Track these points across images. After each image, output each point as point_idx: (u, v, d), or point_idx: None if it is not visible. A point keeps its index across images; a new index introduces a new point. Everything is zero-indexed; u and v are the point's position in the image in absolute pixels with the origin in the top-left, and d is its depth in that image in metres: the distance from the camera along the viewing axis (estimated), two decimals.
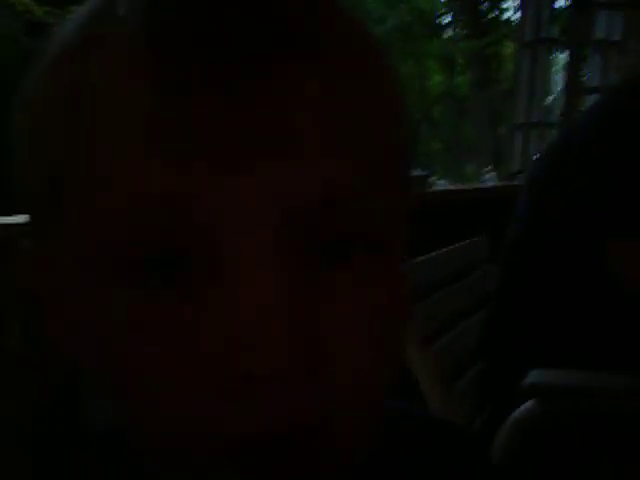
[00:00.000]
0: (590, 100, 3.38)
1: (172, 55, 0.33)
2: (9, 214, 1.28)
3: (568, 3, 3.70)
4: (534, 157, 3.14)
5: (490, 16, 21.30)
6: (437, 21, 24.05)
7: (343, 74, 0.36)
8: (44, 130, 0.37)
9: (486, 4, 21.27)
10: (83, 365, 0.40)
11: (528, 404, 1.34)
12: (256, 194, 0.33)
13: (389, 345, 0.39)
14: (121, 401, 0.37)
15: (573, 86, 3.53)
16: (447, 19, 24.29)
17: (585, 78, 3.85)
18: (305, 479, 0.37)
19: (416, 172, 2.99)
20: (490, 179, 4.21)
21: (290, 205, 0.34)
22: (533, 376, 1.34)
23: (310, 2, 0.37)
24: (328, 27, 0.37)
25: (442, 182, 4.14)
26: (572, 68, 3.56)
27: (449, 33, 22.37)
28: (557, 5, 3.74)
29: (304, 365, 0.34)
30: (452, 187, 3.57)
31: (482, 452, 0.61)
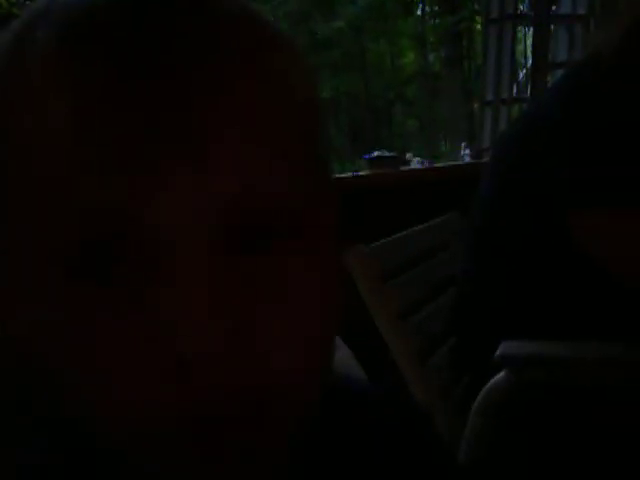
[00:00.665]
0: (557, 75, 3.40)
1: (88, 70, 0.36)
2: None
3: None
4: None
5: None
6: None
7: (252, 75, 0.39)
8: None
9: None
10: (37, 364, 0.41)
11: (500, 375, 1.37)
12: (179, 193, 0.36)
13: (322, 326, 0.42)
14: (71, 396, 0.39)
15: (540, 62, 3.55)
16: None
17: (552, 53, 3.87)
18: (247, 456, 0.39)
19: (388, 153, 3.02)
20: (467, 156, 4.23)
21: (213, 200, 0.37)
22: (504, 347, 1.36)
23: (216, 12, 0.40)
24: (239, 35, 0.40)
25: (417, 159, 4.15)
26: (538, 44, 3.57)
27: (419, 11, 22.17)
28: None
29: (235, 347, 0.37)
30: (423, 166, 3.59)
31: (426, 425, 0.63)
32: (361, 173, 3.01)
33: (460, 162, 3.92)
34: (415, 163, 3.91)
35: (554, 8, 3.82)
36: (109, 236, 0.36)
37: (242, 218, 0.38)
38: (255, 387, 0.38)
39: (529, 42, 3.95)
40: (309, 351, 0.40)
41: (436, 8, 22.19)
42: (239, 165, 0.37)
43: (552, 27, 3.86)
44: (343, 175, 2.88)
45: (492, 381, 1.39)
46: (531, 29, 3.55)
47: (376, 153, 2.94)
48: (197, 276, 0.36)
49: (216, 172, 0.37)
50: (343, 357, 1.58)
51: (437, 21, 22.01)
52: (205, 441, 0.38)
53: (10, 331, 0.41)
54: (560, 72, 3.39)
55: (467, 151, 4.25)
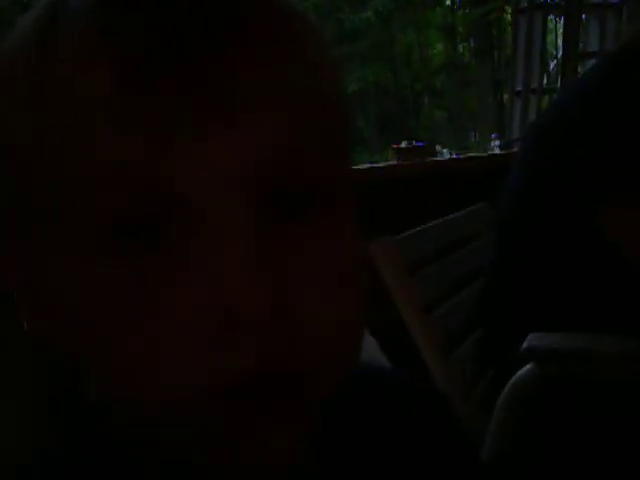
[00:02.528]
0: (588, 65, 3.37)
1: (127, 36, 0.37)
2: None
3: None
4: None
5: None
6: None
7: (286, 50, 0.40)
8: (6, 118, 0.40)
9: None
10: (64, 349, 0.42)
11: (526, 368, 1.36)
12: (215, 153, 0.37)
13: (352, 304, 0.43)
14: (109, 373, 0.40)
15: (570, 52, 3.51)
16: None
17: (583, 43, 3.83)
18: (278, 422, 0.40)
19: (417, 143, 3.00)
20: (497, 147, 4.21)
21: (250, 160, 0.38)
22: (530, 340, 1.35)
23: None
24: (267, 11, 0.41)
25: (446, 151, 4.14)
26: (569, 33, 3.54)
27: (448, 1, 22.09)
28: None
29: (279, 307, 0.38)
30: (454, 156, 3.57)
31: (444, 408, 0.62)
32: (389, 163, 3.00)
33: (489, 152, 3.89)
34: (445, 155, 3.90)
35: None
36: (153, 199, 0.37)
37: (274, 183, 0.39)
38: (296, 354, 0.39)
39: (560, 32, 3.91)
40: (341, 326, 0.41)
41: None
42: (270, 127, 0.38)
43: (583, 17, 3.82)
44: (371, 165, 2.87)
45: (518, 374, 1.38)
46: (562, 19, 3.51)
47: (404, 143, 2.93)
48: (236, 235, 0.37)
49: (247, 132, 0.38)
50: (368, 347, 1.58)
51: (466, 11, 21.89)
52: (240, 403, 0.39)
53: (46, 334, 0.42)
54: (591, 62, 3.36)
55: (497, 142, 4.22)
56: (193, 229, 0.37)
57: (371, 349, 1.56)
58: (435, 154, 3.40)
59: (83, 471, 0.46)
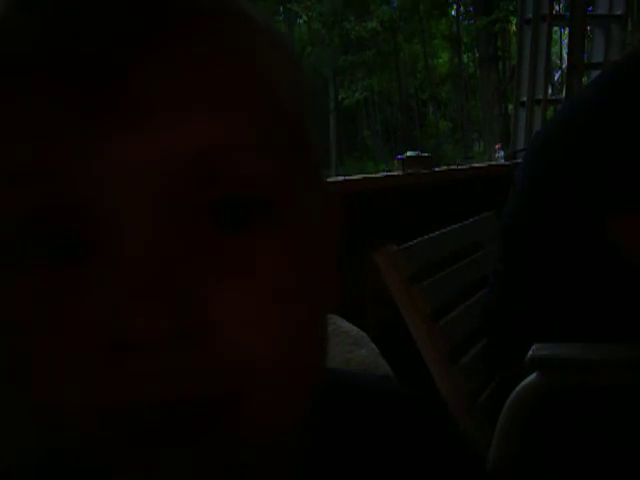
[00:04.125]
0: (594, 76, 3.37)
1: (24, 36, 0.36)
2: None
3: None
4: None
5: None
6: None
7: (211, 45, 0.37)
8: None
9: None
10: None
11: (531, 377, 1.37)
12: (119, 158, 0.34)
13: (297, 315, 0.39)
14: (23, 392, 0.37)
15: (575, 62, 3.52)
16: None
17: (588, 54, 3.84)
18: (200, 453, 0.37)
19: (421, 153, 3.01)
20: (502, 157, 4.22)
21: (157, 165, 0.35)
22: (535, 349, 1.36)
23: None
24: (191, 11, 0.38)
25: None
26: (573, 44, 3.54)
27: (454, 12, 22.08)
28: None
29: (180, 332, 0.34)
30: (458, 166, 3.58)
31: (444, 426, 0.59)
32: (393, 173, 3.01)
33: (494, 162, 3.90)
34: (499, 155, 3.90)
35: (590, 8, 3.79)
36: (59, 216, 0.35)
37: (195, 190, 0.36)
38: (213, 380, 0.35)
39: (565, 43, 3.91)
40: (280, 345, 0.37)
41: (470, 8, 22.13)
42: (182, 130, 0.35)
43: (588, 27, 3.83)
44: (375, 175, 2.88)
45: (523, 383, 1.38)
46: (567, 29, 3.52)
47: (408, 153, 2.93)
48: (139, 249, 0.34)
49: (154, 133, 0.35)
50: (370, 355, 1.58)
51: (471, 22, 21.93)
52: (150, 439, 0.36)
53: None
54: (596, 73, 3.37)
55: (501, 152, 4.23)
56: (100, 241, 0.35)
57: (372, 356, 1.56)
58: (439, 164, 3.41)
59: None
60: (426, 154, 2.93)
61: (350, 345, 1.55)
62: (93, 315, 0.34)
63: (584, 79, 3.49)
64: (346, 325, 1.59)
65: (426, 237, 1.75)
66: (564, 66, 4.21)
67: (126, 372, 0.34)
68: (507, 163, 3.40)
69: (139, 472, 0.36)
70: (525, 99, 3.52)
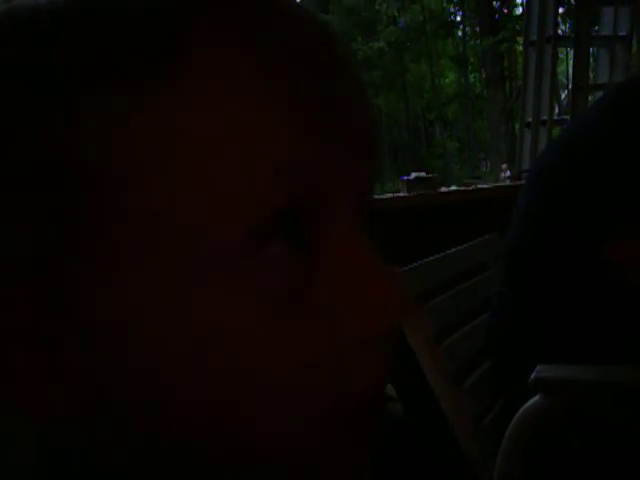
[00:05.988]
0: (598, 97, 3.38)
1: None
2: None
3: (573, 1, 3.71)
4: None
5: (502, 13, 21.17)
6: (449, 20, 23.99)
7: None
8: None
9: (497, 2, 21.13)
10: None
11: (534, 399, 1.36)
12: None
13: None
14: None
15: (580, 83, 3.53)
16: (458, 18, 24.09)
17: (594, 74, 3.85)
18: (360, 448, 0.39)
19: (426, 174, 3.02)
20: (508, 178, 4.22)
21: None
22: (538, 371, 1.36)
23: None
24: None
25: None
26: (578, 65, 3.56)
27: (460, 32, 22.14)
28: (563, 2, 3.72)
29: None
30: (462, 187, 3.59)
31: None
32: (398, 194, 3.02)
33: (499, 183, 3.91)
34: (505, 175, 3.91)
35: (596, 28, 3.81)
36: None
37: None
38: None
39: (571, 63, 3.93)
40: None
41: (477, 29, 22.21)
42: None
43: (593, 48, 3.84)
44: (380, 196, 2.89)
45: (526, 405, 1.38)
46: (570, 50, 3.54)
47: (414, 174, 2.95)
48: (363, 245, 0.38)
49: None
50: None
51: (478, 42, 22.02)
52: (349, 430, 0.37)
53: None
54: (601, 94, 3.37)
55: (508, 173, 4.24)
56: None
57: None
58: (445, 184, 3.41)
59: None
60: (431, 175, 2.94)
61: None
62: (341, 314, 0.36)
63: (590, 99, 3.50)
64: None
65: (431, 258, 1.75)
66: (570, 86, 4.23)
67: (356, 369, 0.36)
68: (512, 184, 3.41)
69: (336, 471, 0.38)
70: (530, 120, 3.54)
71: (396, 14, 23.88)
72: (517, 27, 18.50)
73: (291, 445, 0.36)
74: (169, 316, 0.34)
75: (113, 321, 0.34)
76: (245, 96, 0.34)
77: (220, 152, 0.34)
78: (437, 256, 1.79)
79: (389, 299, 0.37)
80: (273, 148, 0.34)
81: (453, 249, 1.89)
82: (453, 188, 3.60)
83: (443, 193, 2.97)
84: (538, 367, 1.37)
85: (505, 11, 21.66)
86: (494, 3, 21.41)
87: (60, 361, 0.35)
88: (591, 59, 4.00)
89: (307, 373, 0.35)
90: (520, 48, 14.79)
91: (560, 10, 4.20)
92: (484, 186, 3.76)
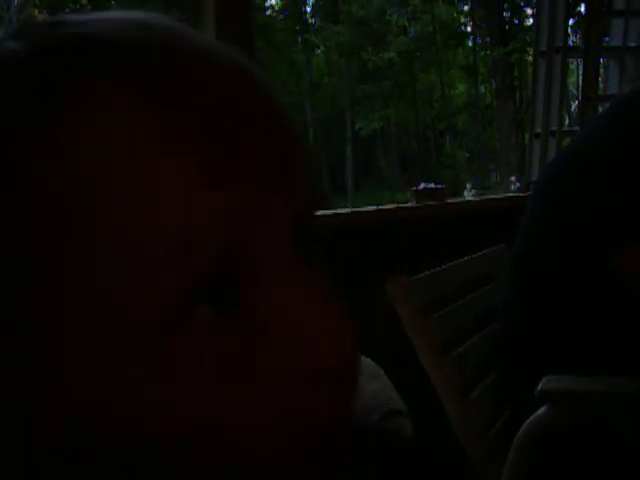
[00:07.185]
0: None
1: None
2: None
3: (584, 11, 3.70)
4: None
5: (512, 23, 21.18)
6: (459, 30, 24.01)
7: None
8: None
9: (508, 13, 21.14)
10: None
11: (541, 410, 1.36)
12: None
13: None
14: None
15: (589, 94, 3.53)
16: (469, 28, 24.10)
17: (604, 85, 3.84)
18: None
19: (435, 184, 3.02)
20: (517, 189, 4.21)
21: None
22: (545, 382, 1.36)
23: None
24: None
25: (470, 191, 4.16)
26: (588, 76, 3.55)
27: (470, 42, 22.15)
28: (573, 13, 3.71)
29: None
30: (470, 198, 3.59)
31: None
32: (406, 204, 3.02)
33: (507, 194, 3.90)
34: (469, 195, 3.90)
35: (606, 39, 3.80)
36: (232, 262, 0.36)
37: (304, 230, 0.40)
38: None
39: (582, 74, 3.92)
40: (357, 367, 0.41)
41: (487, 39, 22.21)
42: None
43: (603, 59, 3.83)
44: (387, 207, 2.89)
45: (533, 416, 1.38)
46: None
47: (422, 185, 2.95)
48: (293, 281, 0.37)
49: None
50: (383, 388, 1.58)
51: (488, 52, 22.00)
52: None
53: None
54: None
55: (518, 184, 4.22)
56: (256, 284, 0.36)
57: (385, 390, 1.56)
58: (457, 194, 3.40)
59: None
60: (440, 185, 2.94)
61: (364, 377, 1.55)
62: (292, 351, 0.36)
63: (600, 110, 3.49)
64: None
65: (438, 269, 1.75)
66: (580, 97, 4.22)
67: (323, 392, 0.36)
68: (520, 195, 3.40)
69: None
70: (539, 130, 3.53)
71: (406, 24, 23.94)
72: (527, 38, 18.51)
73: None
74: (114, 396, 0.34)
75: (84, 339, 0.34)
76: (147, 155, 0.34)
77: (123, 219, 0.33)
78: (444, 267, 1.79)
79: (333, 334, 0.36)
80: (184, 208, 0.34)
81: (460, 260, 1.90)
82: (462, 199, 3.59)
83: (451, 204, 2.96)
84: (545, 378, 1.37)
85: (516, 22, 21.68)
86: (505, 14, 21.44)
87: None
88: (601, 70, 4.00)
89: (267, 430, 0.35)
90: (530, 59, 14.78)
91: (570, 21, 4.20)
92: (492, 197, 3.75)
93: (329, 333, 0.36)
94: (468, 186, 4.39)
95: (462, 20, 23.99)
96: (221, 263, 0.35)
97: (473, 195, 3.85)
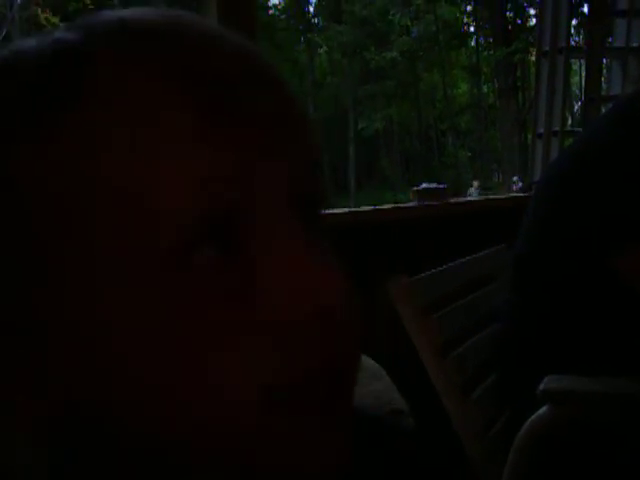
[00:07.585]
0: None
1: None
2: None
3: (587, 11, 3.70)
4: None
5: (515, 24, 21.19)
6: (462, 30, 24.02)
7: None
8: None
9: (510, 13, 21.15)
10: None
11: (542, 410, 1.36)
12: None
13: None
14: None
15: (592, 95, 3.52)
16: (471, 28, 24.11)
17: (606, 85, 3.84)
18: (333, 425, 0.39)
19: (437, 184, 3.02)
20: (520, 188, 4.21)
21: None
22: (547, 382, 1.35)
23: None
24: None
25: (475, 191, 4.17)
26: (590, 77, 3.55)
27: (473, 42, 22.17)
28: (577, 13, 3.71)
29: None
30: (476, 196, 3.59)
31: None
32: (406, 204, 3.01)
33: (509, 194, 3.90)
34: (474, 195, 3.91)
35: (609, 40, 3.79)
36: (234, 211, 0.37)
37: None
38: (340, 351, 0.39)
39: (585, 74, 3.91)
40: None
41: (490, 39, 22.23)
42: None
43: (606, 60, 3.83)
44: (388, 206, 2.89)
45: (534, 416, 1.38)
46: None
47: (424, 184, 2.95)
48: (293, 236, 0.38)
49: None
50: (385, 389, 1.58)
51: (491, 52, 22.02)
52: (308, 410, 0.37)
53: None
54: None
55: (519, 184, 4.23)
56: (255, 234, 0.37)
57: (387, 389, 1.56)
58: (458, 194, 3.41)
59: None
60: (441, 185, 2.94)
61: (366, 378, 1.55)
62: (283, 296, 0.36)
63: (602, 110, 3.49)
64: (362, 357, 1.59)
65: (439, 269, 1.75)
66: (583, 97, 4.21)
67: (305, 343, 0.36)
68: (522, 195, 3.40)
69: (290, 446, 0.37)
70: (542, 131, 3.52)
71: (409, 24, 23.95)
72: (530, 38, 18.52)
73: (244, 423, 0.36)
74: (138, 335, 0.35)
75: (84, 337, 0.35)
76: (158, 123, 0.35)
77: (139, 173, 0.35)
78: (445, 266, 1.79)
79: (323, 282, 0.37)
80: (192, 163, 0.35)
81: (461, 260, 1.89)
82: (464, 199, 3.60)
83: (452, 203, 2.96)
84: (546, 378, 1.37)
85: (519, 22, 21.69)
86: (507, 14, 21.44)
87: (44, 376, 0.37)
88: (604, 70, 3.99)
89: (254, 365, 0.36)
90: (533, 59, 14.81)
91: (573, 22, 4.19)
92: (494, 197, 3.75)
93: (319, 283, 0.36)
94: (475, 183, 4.40)
95: (465, 20, 24.01)
96: (219, 212, 0.36)
97: (479, 193, 3.86)
